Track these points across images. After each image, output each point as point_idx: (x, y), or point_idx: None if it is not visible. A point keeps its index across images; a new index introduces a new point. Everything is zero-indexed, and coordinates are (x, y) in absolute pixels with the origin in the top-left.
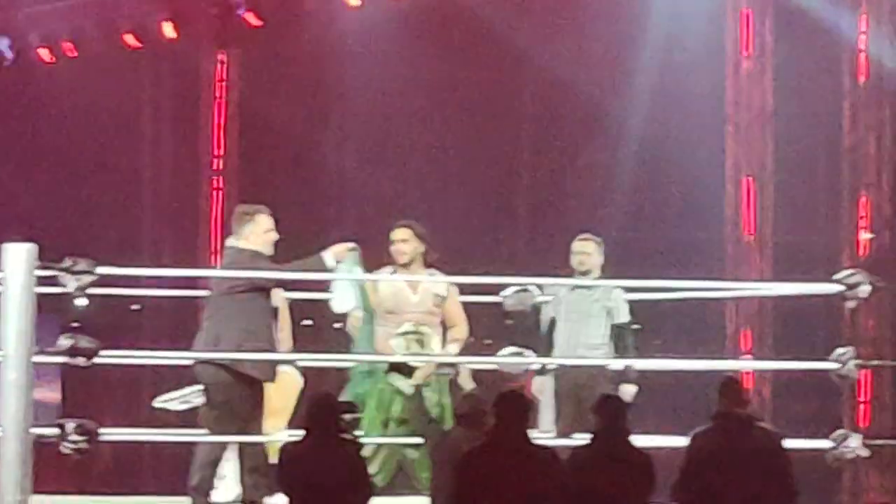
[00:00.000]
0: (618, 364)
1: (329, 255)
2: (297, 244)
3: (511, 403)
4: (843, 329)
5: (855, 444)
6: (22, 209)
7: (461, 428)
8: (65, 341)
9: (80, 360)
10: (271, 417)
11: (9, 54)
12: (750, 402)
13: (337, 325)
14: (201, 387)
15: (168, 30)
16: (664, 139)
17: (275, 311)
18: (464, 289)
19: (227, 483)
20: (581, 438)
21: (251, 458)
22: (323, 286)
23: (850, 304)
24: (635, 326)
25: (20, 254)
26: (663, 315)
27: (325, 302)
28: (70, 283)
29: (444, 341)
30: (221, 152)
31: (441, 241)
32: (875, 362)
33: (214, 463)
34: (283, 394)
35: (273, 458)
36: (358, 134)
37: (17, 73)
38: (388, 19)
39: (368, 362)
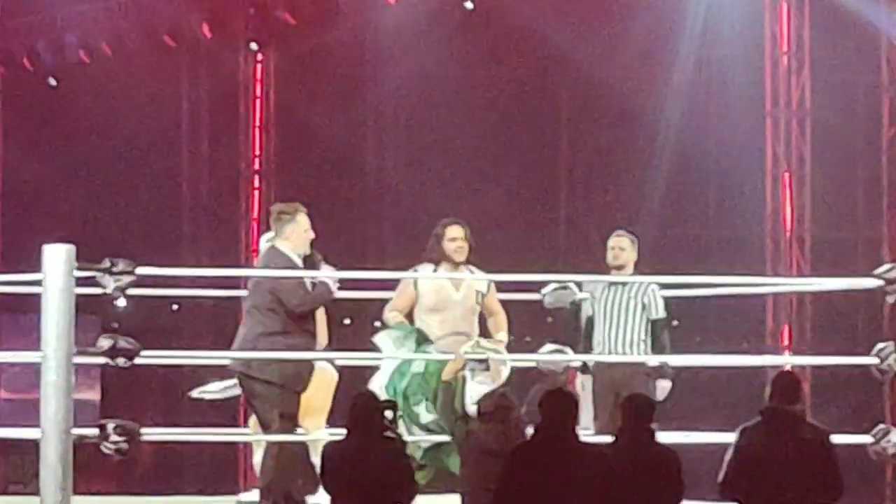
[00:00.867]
0: (655, 360)
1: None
2: (336, 242)
3: (558, 401)
4: (883, 324)
5: None
6: (61, 210)
7: (484, 425)
8: (105, 342)
9: (121, 361)
10: (310, 416)
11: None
12: (801, 399)
13: (377, 324)
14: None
15: (205, 30)
16: (702, 136)
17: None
18: (503, 286)
19: None
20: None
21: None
22: (362, 286)
23: (891, 299)
24: (673, 323)
25: (59, 255)
26: (703, 311)
27: (364, 301)
28: (109, 284)
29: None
30: (259, 152)
31: (480, 238)
32: None
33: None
34: (320, 391)
35: (314, 457)
36: (396, 132)
37: (54, 74)
38: (424, 17)
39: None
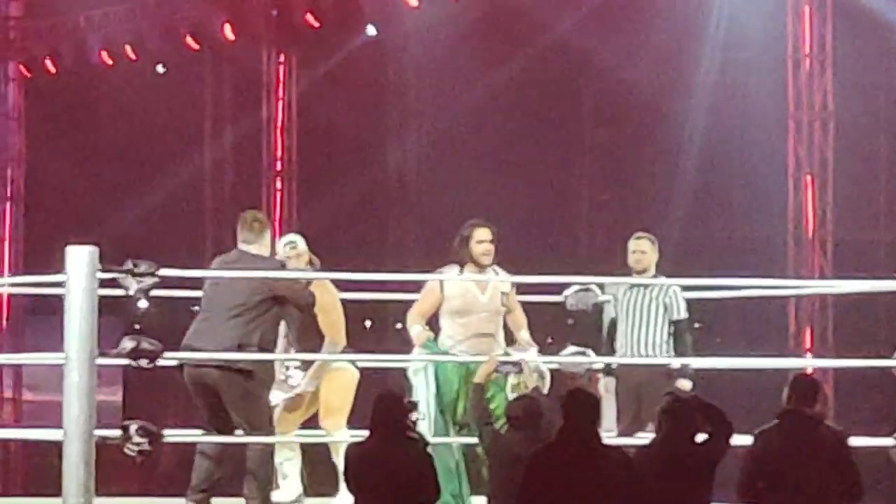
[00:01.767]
0: (677, 362)
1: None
2: (357, 243)
3: (580, 402)
4: None
5: None
6: (84, 211)
7: (514, 430)
8: (128, 343)
9: (143, 362)
10: (330, 416)
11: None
12: (820, 402)
13: (398, 326)
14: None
15: (228, 32)
16: (725, 138)
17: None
18: (525, 288)
19: (290, 482)
20: (642, 437)
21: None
22: (384, 287)
23: None
24: (695, 324)
25: (83, 256)
26: (725, 313)
27: (384, 303)
28: (132, 286)
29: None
30: (282, 153)
31: (502, 239)
32: None
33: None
34: (341, 391)
35: (335, 457)
36: (418, 133)
37: (79, 76)
38: (447, 19)
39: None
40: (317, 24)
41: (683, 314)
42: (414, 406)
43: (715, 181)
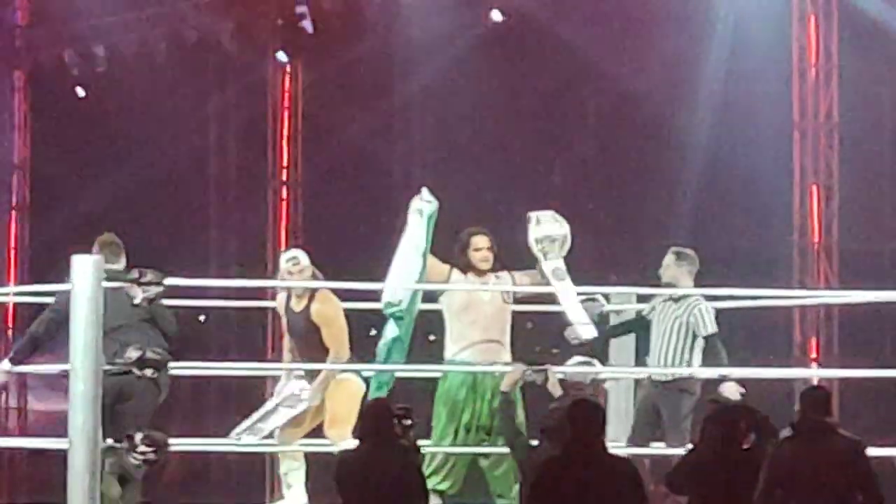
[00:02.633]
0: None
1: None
2: (362, 251)
3: (585, 411)
4: None
5: None
6: (89, 220)
7: (549, 442)
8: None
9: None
10: (336, 426)
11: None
12: (832, 413)
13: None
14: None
15: (233, 41)
16: (730, 147)
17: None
18: (531, 298)
19: (295, 492)
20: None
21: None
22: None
23: None
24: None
25: (88, 265)
26: (730, 324)
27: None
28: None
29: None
30: (287, 163)
31: (508, 249)
32: None
33: None
34: (346, 401)
35: None
36: (423, 142)
37: (84, 85)
38: (451, 28)
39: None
40: (322, 33)
41: (712, 329)
42: (406, 412)
43: (720, 191)
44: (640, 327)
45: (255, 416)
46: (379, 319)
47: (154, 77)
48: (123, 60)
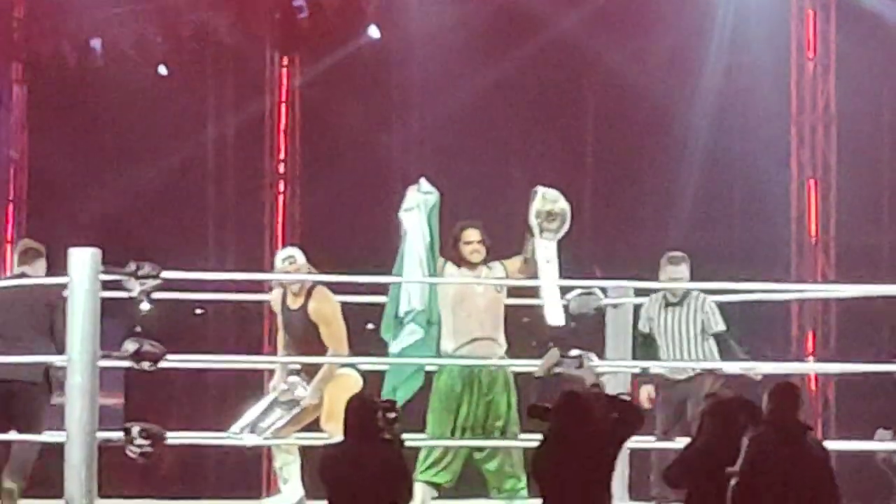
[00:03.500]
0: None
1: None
2: (361, 245)
3: (571, 405)
4: None
5: None
6: (86, 213)
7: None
8: (130, 345)
9: (146, 365)
10: (333, 420)
11: (100, 55)
12: (802, 409)
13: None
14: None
15: (231, 34)
16: (729, 141)
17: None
18: (527, 291)
19: (292, 486)
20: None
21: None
22: (381, 289)
23: None
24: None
25: (85, 258)
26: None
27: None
28: (135, 288)
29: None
30: (284, 156)
31: (505, 242)
32: None
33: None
34: (343, 396)
35: None
36: (421, 135)
37: (83, 78)
38: (451, 21)
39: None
40: (319, 27)
41: (721, 325)
42: (390, 405)
43: (718, 184)
44: (645, 345)
45: (253, 412)
46: (376, 313)
47: (151, 70)
48: (121, 54)
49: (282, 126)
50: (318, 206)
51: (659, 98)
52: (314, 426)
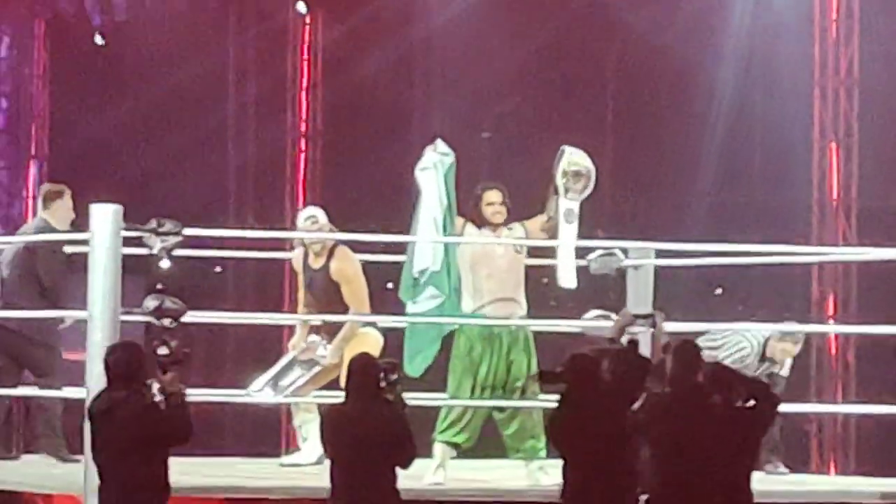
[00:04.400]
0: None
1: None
2: (381, 204)
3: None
4: None
5: None
6: (107, 171)
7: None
8: (151, 302)
9: (167, 321)
10: None
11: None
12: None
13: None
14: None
15: None
16: (752, 103)
17: None
18: (547, 252)
19: (311, 444)
20: None
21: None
22: (402, 249)
23: None
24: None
25: (107, 215)
26: (748, 279)
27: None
28: (156, 245)
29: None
30: (306, 115)
31: (526, 203)
32: None
33: None
34: None
35: None
36: (443, 95)
37: (104, 33)
38: None
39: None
40: None
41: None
42: (392, 366)
43: (741, 146)
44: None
45: (273, 371)
46: (396, 272)
47: (173, 27)
48: (142, 10)
49: (303, 83)
50: (340, 164)
51: (682, 60)
52: (334, 385)
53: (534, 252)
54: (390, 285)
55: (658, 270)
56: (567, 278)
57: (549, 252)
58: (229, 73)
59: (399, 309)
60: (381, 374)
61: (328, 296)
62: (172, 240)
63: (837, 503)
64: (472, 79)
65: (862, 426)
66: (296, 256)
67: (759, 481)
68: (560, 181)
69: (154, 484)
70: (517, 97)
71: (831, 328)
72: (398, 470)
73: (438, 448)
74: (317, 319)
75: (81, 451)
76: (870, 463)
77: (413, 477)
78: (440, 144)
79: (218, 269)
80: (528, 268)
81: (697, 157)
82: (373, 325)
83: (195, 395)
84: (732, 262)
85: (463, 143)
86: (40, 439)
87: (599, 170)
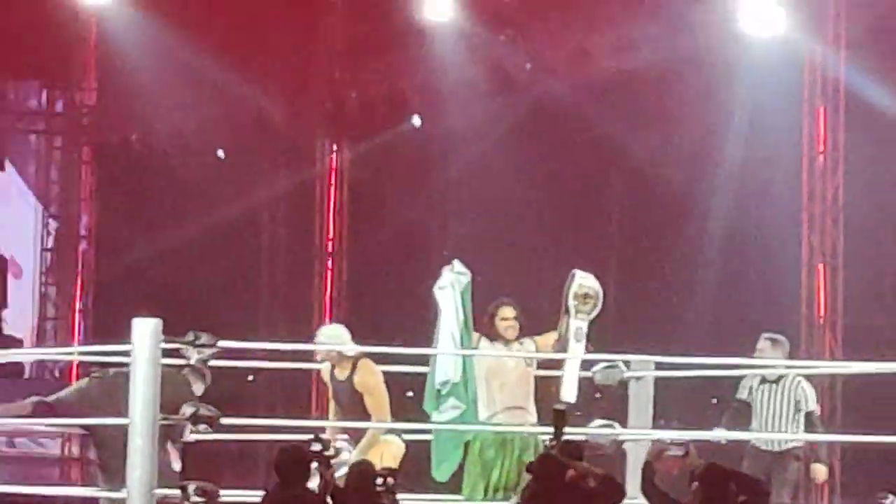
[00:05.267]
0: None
1: None
2: (404, 319)
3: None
4: None
5: None
6: (149, 287)
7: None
8: (187, 409)
9: (202, 427)
10: None
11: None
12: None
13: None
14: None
15: (284, 121)
16: (745, 227)
17: None
18: (555, 364)
19: None
20: None
21: None
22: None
23: None
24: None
25: (148, 328)
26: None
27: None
28: (193, 356)
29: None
30: (332, 235)
31: (538, 320)
32: None
33: None
34: (386, 462)
35: None
36: (461, 217)
37: (147, 160)
38: (488, 114)
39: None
40: (366, 115)
41: (813, 405)
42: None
43: (734, 267)
44: (738, 412)
45: None
46: (414, 381)
47: (212, 156)
48: (183, 138)
49: (331, 206)
50: (364, 283)
51: (681, 188)
52: None
53: (544, 364)
54: (410, 394)
55: (657, 381)
56: (568, 392)
57: (557, 365)
58: (261, 195)
59: (419, 417)
60: (380, 480)
61: (352, 405)
62: (208, 351)
63: None
64: (486, 200)
65: None
66: (325, 369)
67: None
68: (571, 303)
69: None
70: (528, 223)
71: (820, 437)
72: None
73: None
74: (343, 427)
75: None
76: None
77: None
78: (457, 265)
79: (250, 378)
80: (539, 377)
81: (695, 278)
82: (396, 433)
83: (231, 496)
84: (727, 374)
85: (476, 263)
86: None
87: (605, 289)
